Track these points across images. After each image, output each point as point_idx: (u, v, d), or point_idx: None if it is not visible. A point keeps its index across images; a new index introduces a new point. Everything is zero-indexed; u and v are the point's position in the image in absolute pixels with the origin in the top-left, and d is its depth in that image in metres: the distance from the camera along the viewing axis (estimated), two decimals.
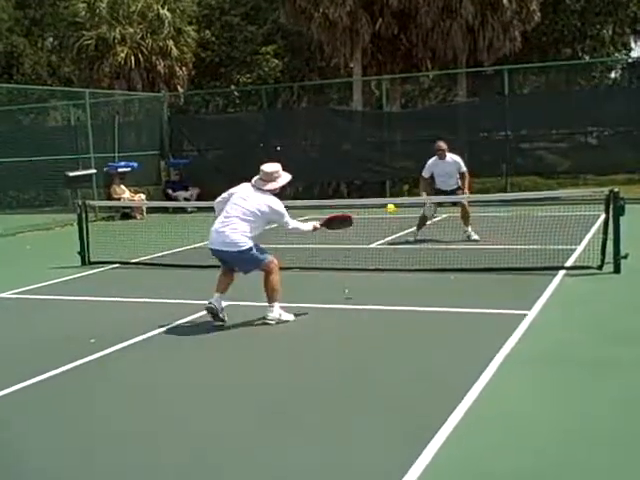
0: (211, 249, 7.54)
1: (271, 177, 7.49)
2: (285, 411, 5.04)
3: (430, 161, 12.63)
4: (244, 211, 7.34)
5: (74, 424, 4.98)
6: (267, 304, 7.44)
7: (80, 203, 12.02)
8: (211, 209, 15.98)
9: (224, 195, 7.82)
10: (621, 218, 8.96)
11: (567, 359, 5.87)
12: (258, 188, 7.49)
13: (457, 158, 12.74)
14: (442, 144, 12.63)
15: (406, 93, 32.37)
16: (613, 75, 35.88)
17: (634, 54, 34.19)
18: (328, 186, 21.65)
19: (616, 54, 32.20)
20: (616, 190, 9.12)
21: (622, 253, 8.95)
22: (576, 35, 28.85)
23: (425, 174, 12.69)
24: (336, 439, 4.52)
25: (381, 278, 9.60)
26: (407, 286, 9.09)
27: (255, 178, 7.62)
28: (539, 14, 24.04)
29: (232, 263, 7.50)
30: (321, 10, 23.53)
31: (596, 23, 28.31)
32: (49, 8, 35.38)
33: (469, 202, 12.56)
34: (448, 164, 12.59)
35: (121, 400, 5.42)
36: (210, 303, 7.34)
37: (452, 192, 12.47)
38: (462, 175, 12.69)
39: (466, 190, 12.60)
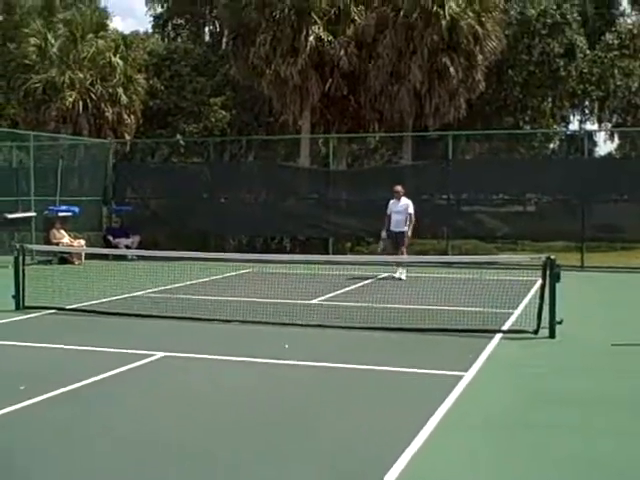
0: None
1: None
2: (216, 465, 4.94)
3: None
4: None
5: None
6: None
7: (18, 246, 11.77)
8: (152, 258, 15.92)
9: None
10: (557, 284, 9.17)
11: (502, 422, 5.92)
12: None
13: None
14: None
15: (352, 152, 32.86)
16: (552, 146, 37.12)
17: (572, 127, 35.51)
18: (272, 240, 21.68)
19: (555, 126, 33.34)
20: (553, 257, 9.35)
21: (557, 319, 9.12)
22: (518, 106, 29.80)
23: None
24: None
25: (321, 334, 9.57)
26: (345, 343, 9.09)
27: None
28: (484, 84, 24.86)
29: None
30: (273, 67, 23.94)
31: (537, 95, 29.32)
32: None
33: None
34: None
35: (43, 451, 5.24)
36: None
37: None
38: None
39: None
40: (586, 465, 5.00)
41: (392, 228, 15.50)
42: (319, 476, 4.80)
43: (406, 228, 15.37)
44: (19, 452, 5.20)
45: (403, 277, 15.18)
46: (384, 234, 15.60)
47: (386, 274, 15.69)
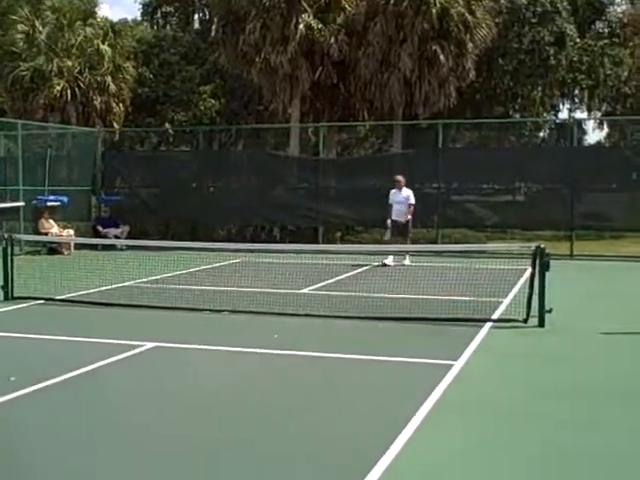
0: None
1: None
2: (203, 455, 4.94)
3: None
4: None
5: None
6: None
7: (6, 236, 11.70)
8: (141, 247, 15.88)
9: None
10: (546, 273, 9.19)
11: (492, 410, 5.94)
12: None
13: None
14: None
15: (342, 141, 32.81)
16: (542, 134, 37.20)
17: (562, 115, 35.59)
18: (261, 230, 21.64)
19: (545, 114, 33.39)
20: (542, 246, 9.37)
21: (547, 307, 9.15)
22: (508, 94, 29.82)
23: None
24: None
25: (309, 324, 9.57)
26: (335, 333, 9.09)
27: None
28: (474, 72, 24.83)
29: None
30: (262, 55, 23.85)
31: (527, 84, 29.32)
32: None
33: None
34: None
35: (34, 442, 5.23)
36: None
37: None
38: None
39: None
40: (577, 455, 5.01)
41: (394, 217, 15.81)
42: (307, 466, 4.81)
43: (409, 217, 15.80)
44: (10, 444, 5.18)
45: (407, 262, 15.57)
46: (389, 222, 15.88)
47: (376, 263, 15.70)
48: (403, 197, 15.85)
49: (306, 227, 20.88)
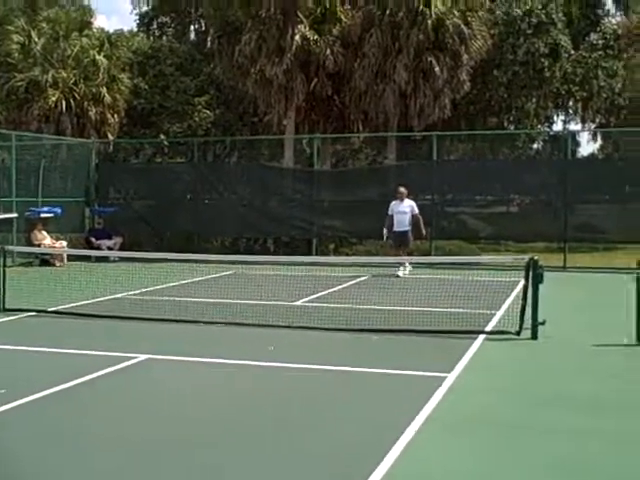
0: None
1: None
2: (198, 468, 4.91)
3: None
4: None
5: None
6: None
7: None
8: (134, 259, 15.86)
9: None
10: (539, 285, 9.18)
11: (486, 423, 5.91)
12: None
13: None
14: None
15: (337, 152, 32.84)
16: (535, 146, 37.28)
17: (556, 127, 35.66)
18: (255, 242, 21.61)
19: (539, 126, 33.44)
20: (536, 258, 9.37)
21: (540, 319, 9.14)
22: (502, 106, 29.82)
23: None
24: None
25: (303, 336, 9.54)
26: (328, 345, 9.07)
27: None
28: (469, 84, 24.90)
29: None
30: (258, 67, 23.89)
31: (521, 96, 29.33)
32: None
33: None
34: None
35: (22, 454, 5.18)
36: None
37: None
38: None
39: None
40: (572, 469, 4.98)
41: (396, 228, 16.09)
42: (305, 474, 4.79)
43: (409, 227, 16.22)
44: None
45: (400, 274, 15.63)
46: (385, 232, 16.19)
47: (371, 274, 15.68)
48: (406, 207, 16.20)
49: (300, 239, 20.85)
